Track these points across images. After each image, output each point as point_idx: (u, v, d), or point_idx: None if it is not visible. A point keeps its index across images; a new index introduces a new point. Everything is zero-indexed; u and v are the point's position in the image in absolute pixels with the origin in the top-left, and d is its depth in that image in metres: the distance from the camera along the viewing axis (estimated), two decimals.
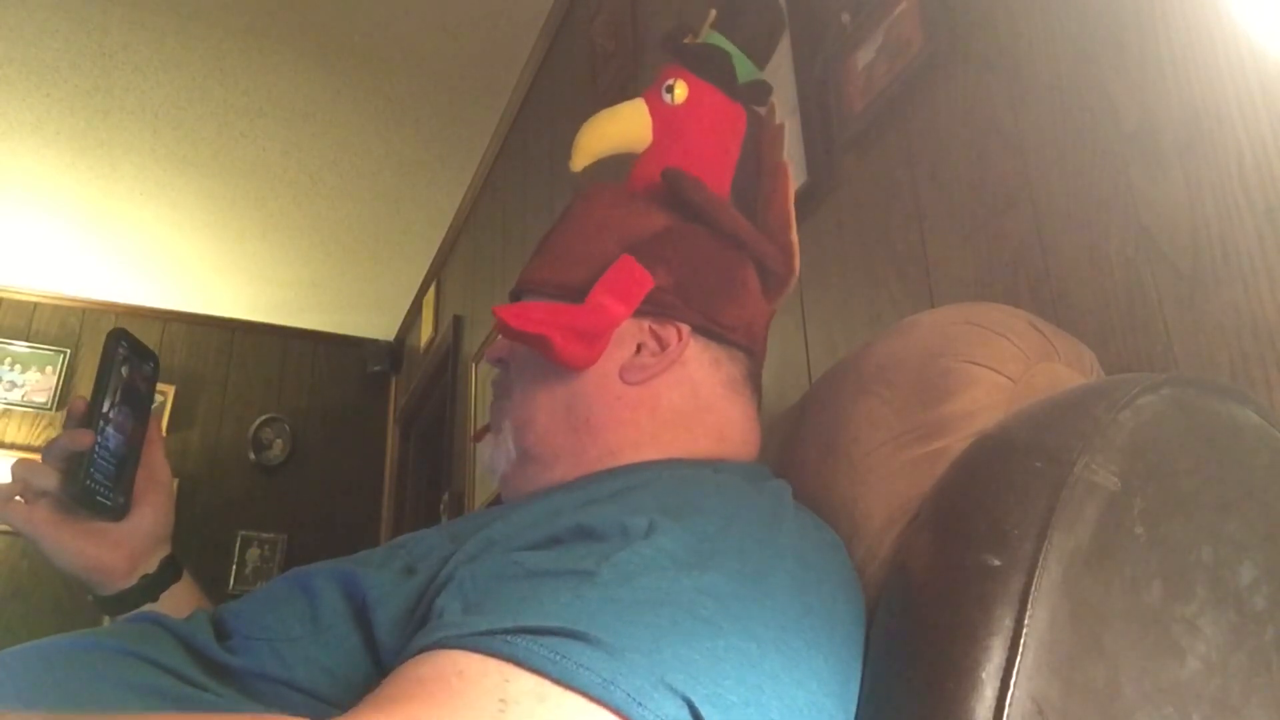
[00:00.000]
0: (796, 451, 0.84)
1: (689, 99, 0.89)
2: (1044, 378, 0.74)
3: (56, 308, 4.10)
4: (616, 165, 0.92)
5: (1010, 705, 0.53)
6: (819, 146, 1.41)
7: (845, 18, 1.37)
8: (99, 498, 0.77)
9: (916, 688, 0.57)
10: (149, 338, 4.11)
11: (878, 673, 0.61)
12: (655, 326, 0.79)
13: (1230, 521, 0.62)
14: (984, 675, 0.54)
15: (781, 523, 0.64)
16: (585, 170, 0.91)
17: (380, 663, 0.58)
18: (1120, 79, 0.94)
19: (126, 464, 0.81)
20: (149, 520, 0.83)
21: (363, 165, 3.37)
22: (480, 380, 3.07)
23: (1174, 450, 0.64)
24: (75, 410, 0.78)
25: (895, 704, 0.58)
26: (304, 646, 0.60)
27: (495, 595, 0.53)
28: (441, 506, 3.27)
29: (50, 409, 3.90)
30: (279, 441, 4.28)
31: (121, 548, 0.81)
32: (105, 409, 0.78)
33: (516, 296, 0.85)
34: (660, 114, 0.89)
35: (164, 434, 3.79)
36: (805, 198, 1.37)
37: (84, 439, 0.76)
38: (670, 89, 0.89)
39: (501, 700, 0.46)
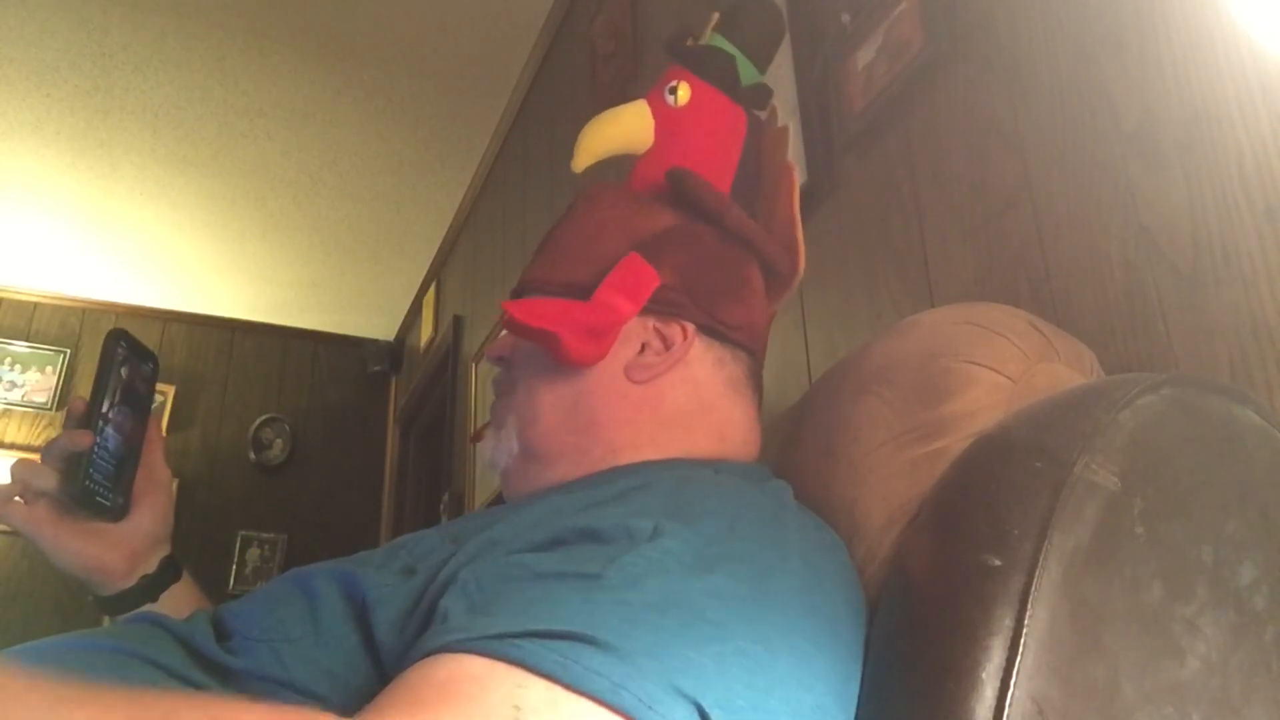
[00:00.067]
0: (796, 451, 0.84)
1: (691, 101, 0.89)
2: (1044, 378, 0.74)
3: (56, 308, 4.10)
4: (618, 166, 0.92)
5: (1010, 705, 0.53)
6: (819, 146, 1.41)
7: (845, 18, 1.37)
8: (98, 498, 0.77)
9: (916, 688, 0.57)
10: (149, 338, 4.11)
11: (878, 673, 0.61)
12: (660, 325, 0.79)
13: (1230, 521, 0.62)
14: (984, 675, 0.54)
15: (785, 524, 0.64)
16: (586, 171, 0.91)
17: (380, 664, 0.58)
18: (1120, 79, 0.94)
19: (126, 464, 0.81)
20: (148, 520, 0.83)
21: (363, 165, 3.37)
22: (480, 380, 3.07)
23: (1174, 450, 0.64)
24: (74, 410, 0.78)
25: (895, 704, 0.58)
26: (304, 647, 0.60)
27: (502, 597, 0.53)
28: (441, 506, 3.27)
29: (50, 409, 3.90)
30: (279, 441, 4.28)
31: (121, 548, 0.81)
32: (104, 409, 0.78)
33: (518, 295, 0.85)
34: (662, 115, 0.89)
35: (164, 434, 3.80)
36: (805, 198, 1.35)
37: (83, 439, 0.76)
38: (673, 90, 0.89)
39: (516, 707, 0.46)
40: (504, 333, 0.86)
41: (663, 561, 0.54)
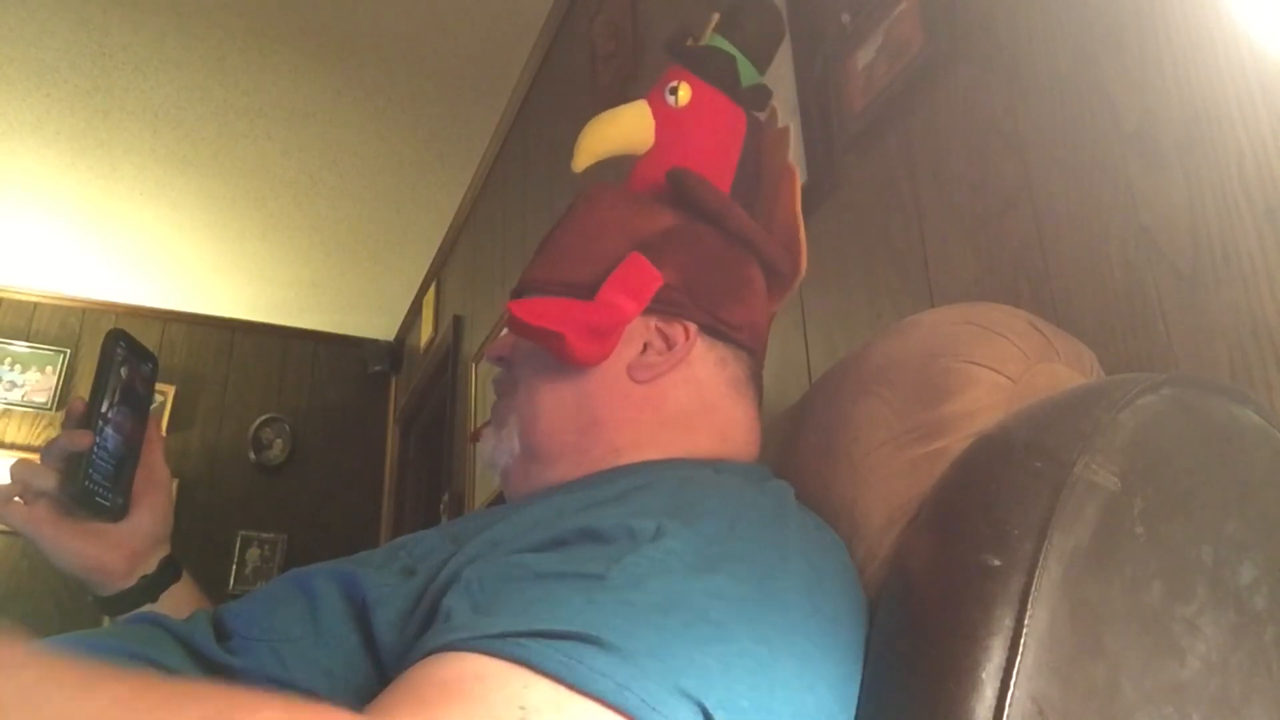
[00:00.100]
0: (796, 452, 0.84)
1: (692, 101, 0.89)
2: (1044, 378, 0.74)
3: (56, 308, 4.10)
4: (617, 166, 0.92)
5: (1010, 705, 0.53)
6: (819, 146, 1.41)
7: (845, 18, 1.37)
8: (98, 498, 0.77)
9: (916, 688, 0.57)
10: (149, 338, 4.11)
11: (878, 673, 0.61)
12: (662, 325, 0.79)
13: (1230, 521, 0.62)
14: (984, 675, 0.54)
15: (787, 524, 0.64)
16: (586, 171, 0.91)
17: (380, 664, 0.58)
18: (1120, 79, 0.94)
19: (125, 464, 0.81)
20: (148, 521, 0.83)
21: (363, 165, 3.37)
22: (480, 380, 3.07)
23: (1174, 450, 0.64)
24: (74, 411, 0.78)
25: (895, 704, 0.58)
26: (304, 647, 0.60)
27: (505, 597, 0.53)
28: (441, 506, 3.27)
29: (50, 409, 3.90)
30: (279, 441, 4.28)
31: (120, 548, 0.81)
32: (104, 409, 0.78)
33: (519, 295, 0.85)
34: (663, 116, 0.89)
35: (164, 434, 3.80)
36: (805, 198, 1.35)
37: (83, 439, 0.76)
38: (674, 91, 0.89)
39: (522, 708, 0.45)
40: (504, 332, 0.85)
41: (665, 562, 0.54)
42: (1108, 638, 0.56)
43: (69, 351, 4.01)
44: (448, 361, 3.47)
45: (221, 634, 0.64)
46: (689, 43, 0.93)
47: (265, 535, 4.09)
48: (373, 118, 3.14)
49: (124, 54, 2.84)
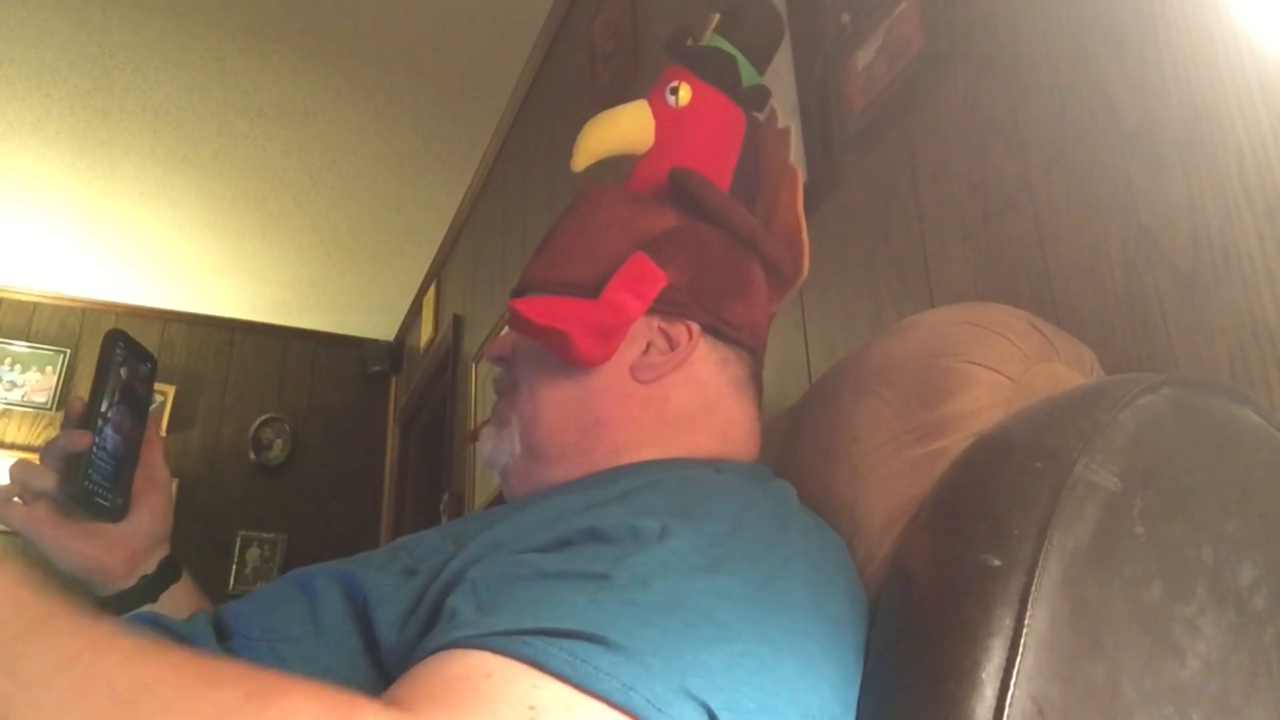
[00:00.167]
0: (796, 451, 0.84)
1: (692, 101, 0.89)
2: (1044, 378, 0.74)
3: (56, 308, 4.10)
4: (617, 165, 0.92)
5: (1010, 705, 0.53)
6: (819, 146, 1.41)
7: (845, 18, 1.37)
8: (97, 498, 0.77)
9: (916, 688, 0.57)
10: (149, 338, 4.11)
11: (878, 673, 0.61)
12: (665, 325, 0.79)
13: (1230, 521, 0.62)
14: (984, 675, 0.54)
15: (789, 525, 0.64)
16: (586, 170, 0.91)
17: (380, 664, 0.58)
18: (1120, 79, 0.94)
19: (125, 465, 0.81)
20: (147, 521, 0.83)
21: (363, 165, 3.37)
22: (480, 380, 3.07)
23: (1174, 450, 0.64)
24: (73, 411, 0.78)
25: (895, 704, 0.58)
26: (304, 647, 0.60)
27: (509, 596, 0.53)
28: (441, 506, 3.27)
29: (50, 409, 3.90)
30: (279, 441, 4.28)
31: (120, 548, 0.81)
32: (103, 409, 0.78)
33: (519, 294, 0.84)
34: (663, 116, 0.89)
35: (164, 434, 3.79)
36: (805, 198, 1.36)
37: (82, 440, 0.76)
38: (674, 91, 0.89)
39: (531, 707, 0.45)
40: (504, 331, 0.85)
41: (670, 562, 0.54)
42: (1108, 638, 0.56)
43: (69, 351, 4.01)
44: (448, 361, 3.47)
45: (222, 634, 0.64)
46: (689, 43, 0.93)
47: (265, 535, 4.09)
48: (373, 118, 3.14)
49: (124, 54, 2.84)
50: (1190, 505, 0.62)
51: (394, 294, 4.25)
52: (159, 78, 2.94)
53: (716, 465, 0.74)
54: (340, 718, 0.42)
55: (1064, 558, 0.56)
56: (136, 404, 0.82)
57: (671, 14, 2.03)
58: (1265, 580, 0.61)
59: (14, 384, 3.90)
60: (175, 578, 0.85)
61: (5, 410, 3.88)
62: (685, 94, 0.88)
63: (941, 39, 1.18)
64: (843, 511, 0.74)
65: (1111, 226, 0.93)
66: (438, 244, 3.84)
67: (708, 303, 0.79)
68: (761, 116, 0.94)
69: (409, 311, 4.37)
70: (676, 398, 0.78)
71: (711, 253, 0.81)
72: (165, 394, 4.07)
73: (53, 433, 3.27)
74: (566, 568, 0.54)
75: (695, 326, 0.79)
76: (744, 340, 0.82)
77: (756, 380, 0.84)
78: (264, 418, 4.29)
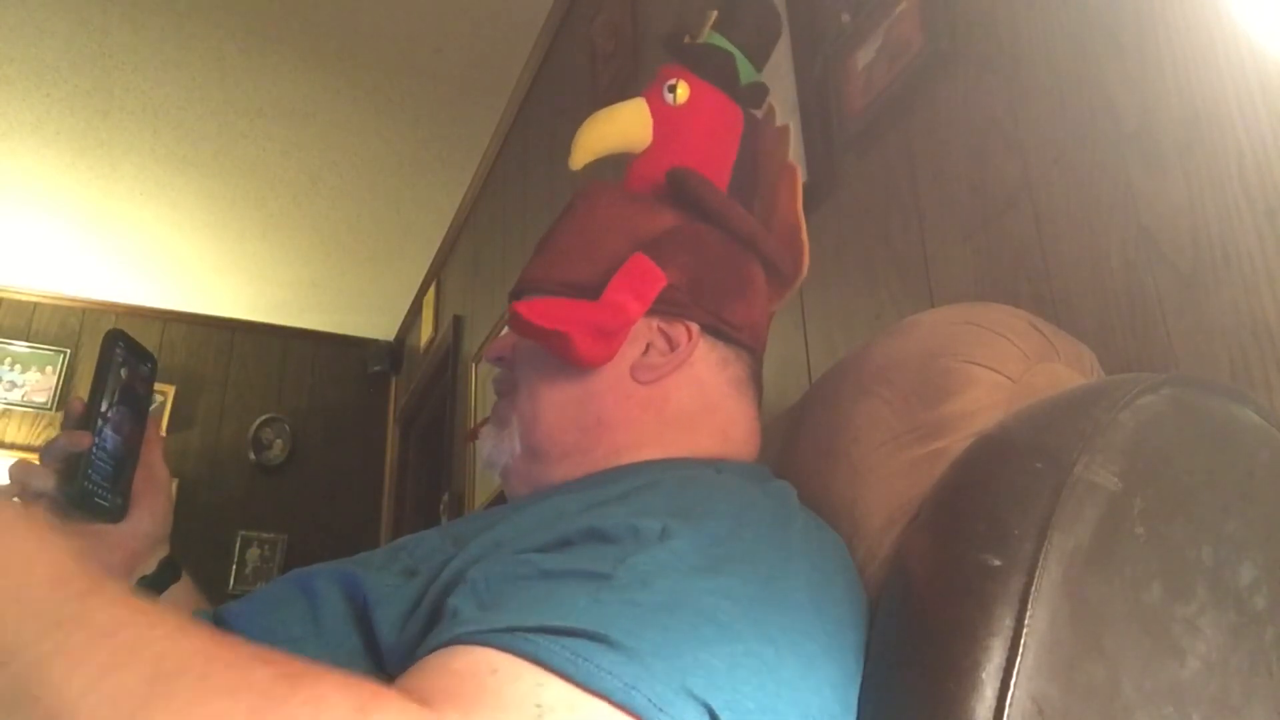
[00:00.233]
0: (796, 451, 0.84)
1: (690, 99, 0.89)
2: (1044, 378, 0.74)
3: (56, 308, 4.10)
4: (616, 164, 0.92)
5: (1010, 705, 0.53)
6: (819, 146, 1.41)
7: (845, 18, 1.37)
8: (97, 499, 0.77)
9: (916, 688, 0.57)
10: (149, 338, 4.11)
11: (878, 673, 0.61)
12: (665, 326, 0.79)
13: (1230, 521, 0.62)
14: (984, 675, 0.54)
15: (790, 525, 0.64)
16: (585, 168, 0.90)
17: (381, 664, 0.58)
18: (1120, 79, 0.94)
19: (124, 465, 0.81)
20: (147, 521, 0.83)
21: (363, 165, 3.37)
22: (480, 380, 3.07)
23: (1174, 450, 0.64)
24: (73, 411, 0.78)
25: (895, 704, 0.58)
26: (304, 647, 0.60)
27: (511, 594, 0.53)
28: (441, 506, 3.27)
29: (50, 409, 3.90)
30: (279, 441, 4.28)
31: (120, 549, 0.81)
32: (103, 410, 0.78)
33: (518, 295, 0.84)
34: (661, 114, 0.89)
35: (164, 434, 3.78)
36: (805, 198, 1.35)
37: (82, 440, 0.75)
38: (672, 89, 0.89)
39: (537, 705, 0.46)
40: (503, 332, 0.85)
41: (671, 562, 0.54)
42: (1108, 638, 0.56)
43: (69, 351, 4.01)
44: (448, 361, 3.47)
45: None
46: (686, 40, 0.92)
47: (265, 535, 4.09)
48: (373, 118, 3.14)
49: (124, 54, 2.84)
50: (1190, 505, 0.62)
51: (394, 294, 4.25)
52: (159, 78, 2.94)
53: (717, 465, 0.74)
54: (364, 705, 0.43)
55: (1064, 558, 0.56)
56: (136, 404, 0.82)
57: (671, 14, 2.03)
58: (1265, 580, 0.61)
59: (14, 384, 3.90)
60: (175, 578, 0.85)
61: (5, 410, 3.88)
62: (683, 92, 0.88)
63: (941, 39, 1.18)
64: (843, 511, 0.74)
65: (1111, 226, 0.93)
66: (438, 244, 3.84)
67: (707, 303, 0.79)
68: (760, 114, 0.94)
69: (409, 311, 4.37)
70: (676, 398, 0.78)
71: (711, 253, 0.81)
72: (165, 394, 4.07)
73: (53, 433, 3.26)
74: (568, 567, 0.54)
75: (695, 327, 0.79)
76: (744, 340, 0.82)
77: (756, 380, 0.84)
78: (264, 418, 4.29)
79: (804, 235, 0.87)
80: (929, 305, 1.14)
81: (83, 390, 0.82)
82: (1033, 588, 0.55)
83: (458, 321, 3.50)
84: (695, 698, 0.48)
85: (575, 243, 0.83)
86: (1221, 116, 0.84)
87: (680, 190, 0.83)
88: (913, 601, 0.62)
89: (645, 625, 0.49)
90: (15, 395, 3.89)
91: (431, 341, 3.84)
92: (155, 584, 0.83)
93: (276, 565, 4.04)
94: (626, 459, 0.76)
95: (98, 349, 0.80)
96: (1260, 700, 0.59)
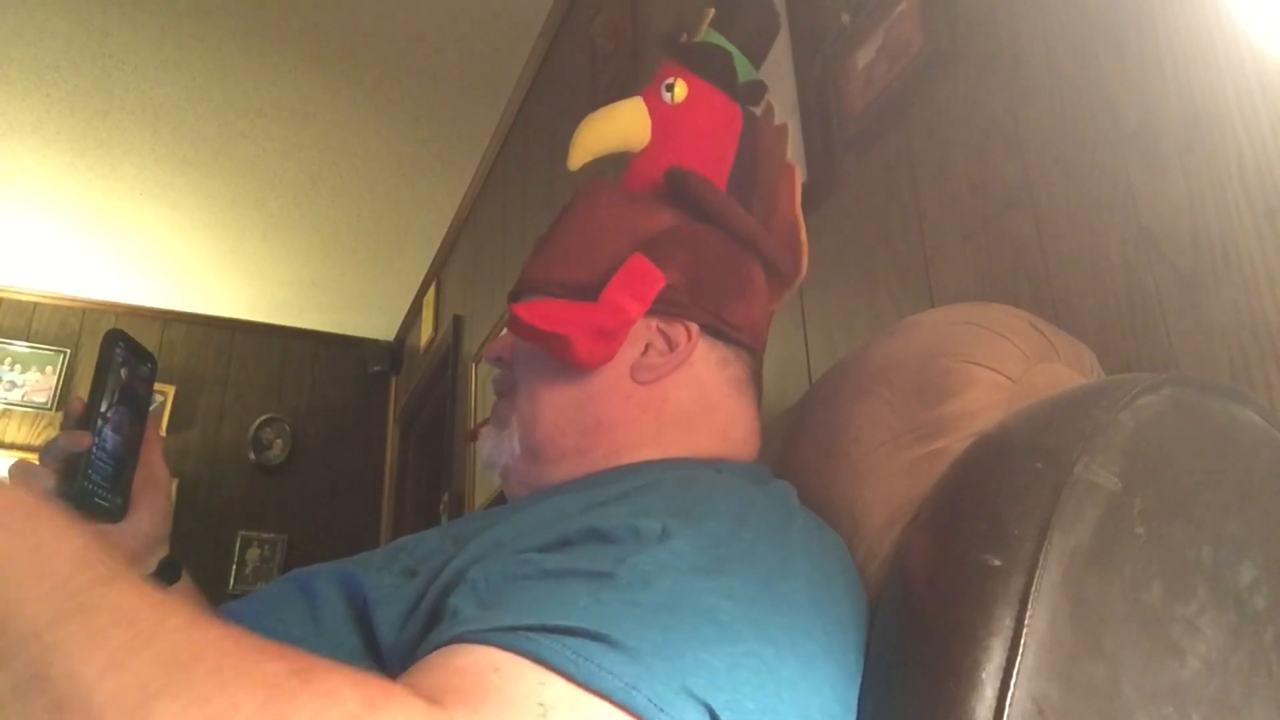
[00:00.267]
0: (796, 451, 0.84)
1: (689, 98, 0.89)
2: (1044, 378, 0.74)
3: (56, 308, 4.10)
4: (616, 163, 0.92)
5: (1010, 705, 0.53)
6: (819, 146, 1.41)
7: (845, 18, 1.37)
8: (96, 499, 0.77)
9: (916, 688, 0.57)
10: (149, 338, 4.11)
11: (878, 673, 0.61)
12: (664, 326, 0.79)
13: (1230, 521, 0.62)
14: (984, 675, 0.54)
15: (791, 525, 0.64)
16: (584, 169, 0.90)
17: (381, 664, 0.58)
18: (1120, 79, 0.94)
19: (124, 465, 0.81)
20: (147, 521, 0.83)
21: (363, 165, 3.37)
22: (480, 380, 3.07)
23: (1174, 450, 0.64)
24: (73, 411, 0.78)
25: (895, 704, 0.58)
26: (304, 647, 0.60)
27: (511, 594, 0.53)
28: (441, 506, 3.27)
29: (50, 409, 3.90)
30: (279, 441, 4.28)
31: (119, 549, 0.81)
32: (103, 410, 0.78)
33: (517, 295, 0.84)
34: (659, 113, 0.89)
35: (164, 434, 3.78)
36: (805, 198, 1.35)
37: (82, 440, 0.75)
38: (670, 88, 0.89)
39: (541, 704, 0.45)
40: (502, 333, 0.85)
41: (672, 562, 0.54)
42: (1108, 638, 0.56)
43: (69, 351, 4.01)
44: (448, 361, 3.47)
45: None
46: (684, 39, 0.92)
47: (265, 535, 4.09)
48: (373, 118, 3.14)
49: (124, 54, 2.84)
50: (1190, 505, 0.62)
51: (394, 294, 4.25)
52: (159, 78, 2.94)
53: (717, 465, 0.74)
54: (374, 701, 0.43)
55: (1064, 558, 0.56)
56: (136, 404, 0.82)
57: (671, 14, 2.03)
58: (1265, 580, 0.61)
59: (14, 384, 3.90)
60: (175, 578, 0.85)
61: (5, 410, 3.88)
62: (681, 90, 0.88)
63: (941, 39, 1.18)
64: (843, 511, 0.74)
65: (1111, 226, 0.93)
66: (438, 244, 3.84)
67: (707, 303, 0.79)
68: (758, 110, 0.94)
69: (409, 311, 4.37)
70: (676, 398, 0.78)
71: (710, 253, 0.81)
72: (165, 394, 4.08)
73: (52, 433, 3.27)
74: (568, 566, 0.54)
75: (694, 327, 0.79)
76: (743, 340, 0.82)
77: (756, 380, 0.84)
78: (264, 418, 4.29)
79: (803, 234, 0.87)
80: (929, 305, 1.14)
81: (83, 390, 0.82)
82: (1033, 588, 0.55)
83: (458, 321, 3.50)
84: (696, 698, 0.48)
85: (574, 243, 0.83)
86: (1221, 116, 0.84)
87: (679, 190, 0.83)
88: (913, 601, 0.62)
89: (646, 625, 0.49)
90: (15, 395, 3.89)
91: (431, 341, 3.84)
92: (155, 584, 0.83)
93: (276, 565, 4.04)
94: (626, 459, 0.76)
95: (98, 349, 0.80)
96: (1260, 700, 0.59)
